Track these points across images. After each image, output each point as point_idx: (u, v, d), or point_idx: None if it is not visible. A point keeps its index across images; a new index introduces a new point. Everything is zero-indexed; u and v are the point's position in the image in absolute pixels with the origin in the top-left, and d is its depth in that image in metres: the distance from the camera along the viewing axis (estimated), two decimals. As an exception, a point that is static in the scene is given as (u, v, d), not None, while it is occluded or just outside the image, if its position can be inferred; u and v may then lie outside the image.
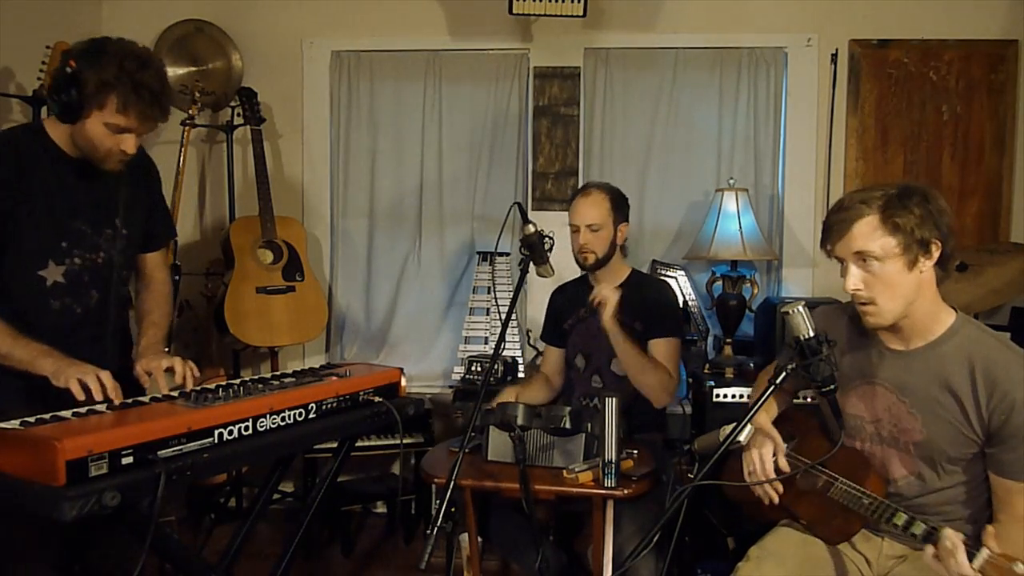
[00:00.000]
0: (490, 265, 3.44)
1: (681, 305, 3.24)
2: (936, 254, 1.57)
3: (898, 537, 1.69)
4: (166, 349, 3.06)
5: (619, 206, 2.52)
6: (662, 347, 2.44)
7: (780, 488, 1.71)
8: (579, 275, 2.66)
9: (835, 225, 1.61)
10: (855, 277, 1.59)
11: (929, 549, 1.38)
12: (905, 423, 1.66)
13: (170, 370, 1.86)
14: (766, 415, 1.81)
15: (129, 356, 2.01)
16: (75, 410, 1.59)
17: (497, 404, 2.08)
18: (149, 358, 1.92)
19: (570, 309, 2.60)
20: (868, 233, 1.56)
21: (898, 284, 1.56)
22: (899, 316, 1.60)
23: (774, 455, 1.73)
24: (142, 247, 2.08)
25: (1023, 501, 1.53)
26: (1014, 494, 1.54)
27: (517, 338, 3.39)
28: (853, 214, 1.58)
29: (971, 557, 1.30)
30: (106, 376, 1.68)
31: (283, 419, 1.74)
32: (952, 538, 1.32)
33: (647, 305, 2.47)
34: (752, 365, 2.97)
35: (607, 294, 2.28)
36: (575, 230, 2.49)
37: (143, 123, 1.78)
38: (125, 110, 1.73)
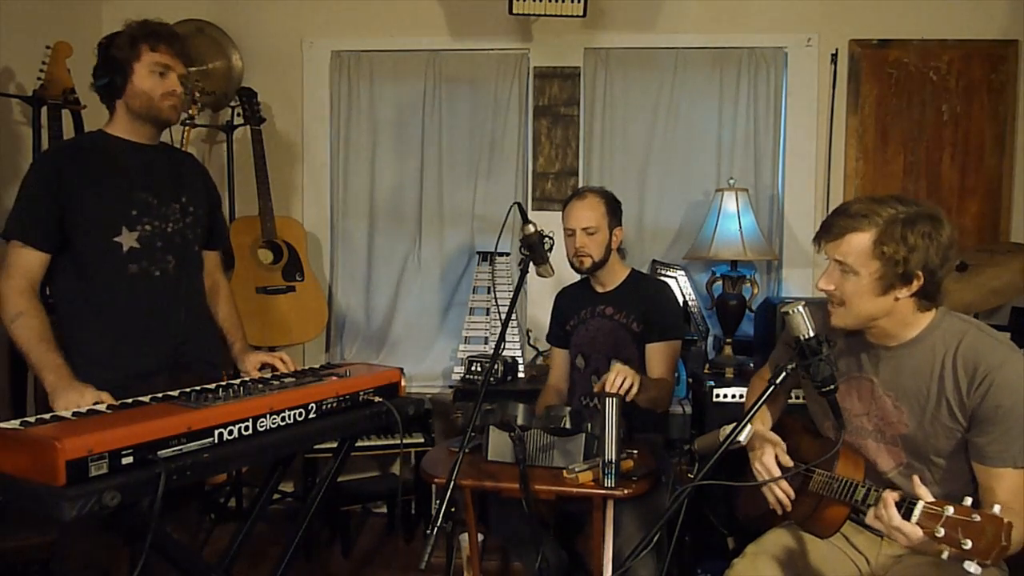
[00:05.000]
0: (490, 265, 3.44)
1: (681, 305, 3.24)
2: (916, 286, 1.57)
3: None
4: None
5: (614, 210, 2.52)
6: (659, 352, 2.44)
7: (791, 492, 1.70)
8: (582, 277, 2.64)
9: (833, 227, 1.62)
10: (830, 277, 1.64)
11: (871, 511, 1.43)
12: (891, 416, 1.68)
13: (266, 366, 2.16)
14: (762, 425, 1.84)
15: (207, 328, 2.20)
16: (75, 410, 1.59)
17: (546, 408, 2.12)
18: (256, 355, 2.20)
19: (573, 310, 2.59)
20: (856, 249, 1.58)
21: (864, 302, 1.60)
22: (858, 326, 1.66)
23: (776, 458, 1.73)
24: (206, 239, 2.22)
25: (1000, 487, 1.52)
26: (992, 479, 1.54)
27: (517, 338, 3.39)
28: (853, 224, 1.59)
29: (910, 511, 1.35)
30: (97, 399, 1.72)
31: (283, 419, 1.74)
32: (886, 496, 1.38)
33: (646, 305, 2.47)
34: (752, 365, 2.97)
35: (619, 381, 1.99)
36: (570, 233, 2.48)
37: (175, 58, 2.01)
38: (158, 47, 1.98)
